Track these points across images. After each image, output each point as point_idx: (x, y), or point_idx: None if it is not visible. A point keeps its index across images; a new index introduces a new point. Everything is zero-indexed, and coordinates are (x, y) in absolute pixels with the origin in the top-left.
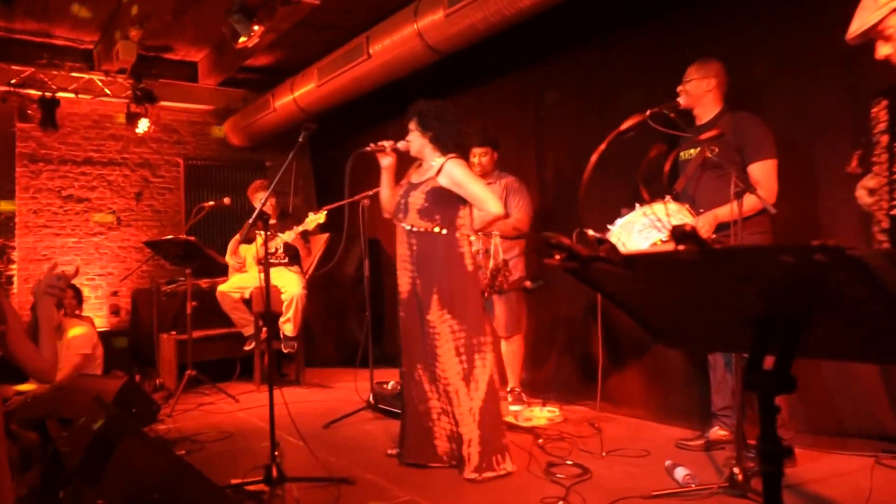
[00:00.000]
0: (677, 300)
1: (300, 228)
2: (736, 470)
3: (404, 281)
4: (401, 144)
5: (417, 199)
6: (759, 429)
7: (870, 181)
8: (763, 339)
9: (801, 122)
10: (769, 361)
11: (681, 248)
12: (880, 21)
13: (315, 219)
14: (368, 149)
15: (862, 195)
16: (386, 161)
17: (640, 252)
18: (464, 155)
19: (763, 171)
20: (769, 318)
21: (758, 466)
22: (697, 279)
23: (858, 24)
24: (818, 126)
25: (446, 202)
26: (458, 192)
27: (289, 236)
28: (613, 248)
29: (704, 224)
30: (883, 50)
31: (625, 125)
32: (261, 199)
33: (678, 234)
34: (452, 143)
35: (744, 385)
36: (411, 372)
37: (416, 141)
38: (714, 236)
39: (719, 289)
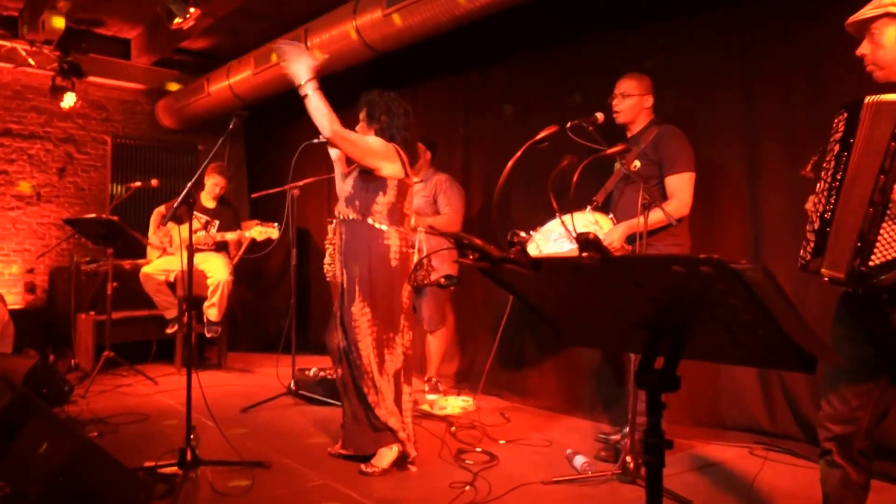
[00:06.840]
0: (579, 302)
1: (248, 236)
2: (628, 458)
3: (338, 271)
4: None
5: (347, 186)
6: (647, 422)
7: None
8: (654, 342)
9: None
10: (659, 362)
11: (584, 254)
12: (874, 18)
13: (266, 232)
14: (316, 140)
15: (809, 203)
16: (334, 153)
17: (546, 256)
18: (408, 150)
19: (678, 184)
20: (660, 323)
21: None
22: (597, 284)
23: (860, 13)
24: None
25: (365, 188)
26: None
27: (231, 237)
28: (523, 250)
29: (617, 234)
30: (863, 48)
31: (540, 135)
32: (213, 182)
33: (582, 241)
34: (400, 138)
35: (635, 383)
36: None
37: (361, 132)
38: (629, 247)
39: (617, 294)
